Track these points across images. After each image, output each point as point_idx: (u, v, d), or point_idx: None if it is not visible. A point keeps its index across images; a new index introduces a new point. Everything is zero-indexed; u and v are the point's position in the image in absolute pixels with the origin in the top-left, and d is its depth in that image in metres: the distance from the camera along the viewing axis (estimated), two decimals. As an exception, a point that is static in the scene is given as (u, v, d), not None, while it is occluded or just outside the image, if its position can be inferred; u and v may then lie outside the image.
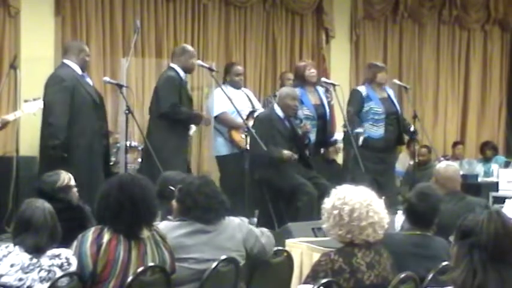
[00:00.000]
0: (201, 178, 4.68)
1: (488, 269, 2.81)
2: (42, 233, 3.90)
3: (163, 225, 4.40)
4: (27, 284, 3.81)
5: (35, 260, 3.86)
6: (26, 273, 3.82)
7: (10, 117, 7.00)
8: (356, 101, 8.34)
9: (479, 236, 2.83)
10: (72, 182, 5.15)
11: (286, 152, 7.61)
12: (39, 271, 3.84)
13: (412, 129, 8.54)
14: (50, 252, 3.90)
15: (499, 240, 2.83)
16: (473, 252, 2.83)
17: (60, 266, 3.88)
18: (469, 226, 2.88)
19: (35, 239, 3.89)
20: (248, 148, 7.48)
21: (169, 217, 4.66)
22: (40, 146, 7.17)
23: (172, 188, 5.01)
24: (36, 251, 3.88)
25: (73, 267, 3.90)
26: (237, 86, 8.66)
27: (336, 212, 3.90)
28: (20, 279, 3.81)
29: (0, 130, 7.02)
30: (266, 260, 4.62)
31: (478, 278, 2.80)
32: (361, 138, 8.12)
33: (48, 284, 3.80)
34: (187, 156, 8.03)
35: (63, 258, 3.90)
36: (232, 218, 4.52)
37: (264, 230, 4.75)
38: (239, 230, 4.46)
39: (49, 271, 3.85)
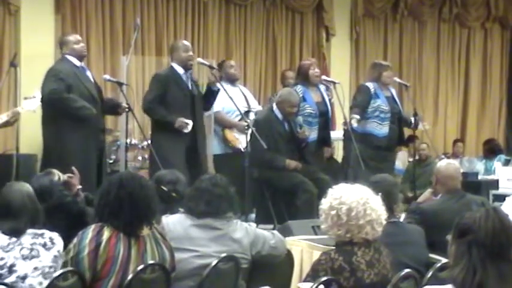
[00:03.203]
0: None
1: (487, 266, 2.81)
2: (21, 216, 3.91)
3: (176, 217, 4.48)
4: (10, 262, 3.81)
5: (14, 239, 3.86)
6: (7, 251, 3.83)
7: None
8: (364, 95, 8.31)
9: (477, 234, 2.84)
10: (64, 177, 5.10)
11: (289, 162, 7.60)
12: (21, 249, 3.85)
13: (413, 120, 8.61)
14: (31, 231, 3.91)
15: (497, 237, 2.83)
16: (472, 250, 2.83)
17: (44, 245, 3.89)
18: (467, 224, 2.88)
19: (13, 223, 3.90)
20: (243, 147, 7.43)
21: (181, 209, 4.70)
22: (45, 146, 7.13)
23: (164, 188, 5.02)
24: (15, 234, 3.88)
25: (58, 247, 3.92)
26: (232, 78, 8.54)
27: (333, 212, 3.89)
28: (2, 259, 3.81)
29: (13, 124, 6.99)
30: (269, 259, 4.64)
31: (478, 275, 2.80)
32: (353, 121, 8.08)
33: (31, 262, 3.82)
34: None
35: (46, 238, 3.92)
36: (240, 222, 4.59)
37: (276, 232, 4.80)
38: (246, 235, 4.50)
39: (31, 249, 3.86)
